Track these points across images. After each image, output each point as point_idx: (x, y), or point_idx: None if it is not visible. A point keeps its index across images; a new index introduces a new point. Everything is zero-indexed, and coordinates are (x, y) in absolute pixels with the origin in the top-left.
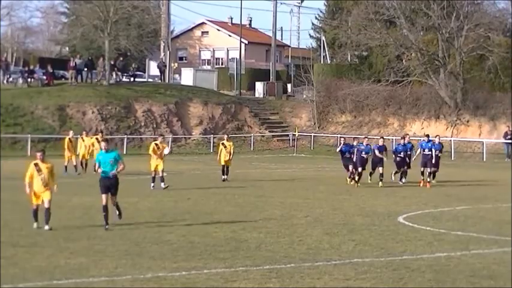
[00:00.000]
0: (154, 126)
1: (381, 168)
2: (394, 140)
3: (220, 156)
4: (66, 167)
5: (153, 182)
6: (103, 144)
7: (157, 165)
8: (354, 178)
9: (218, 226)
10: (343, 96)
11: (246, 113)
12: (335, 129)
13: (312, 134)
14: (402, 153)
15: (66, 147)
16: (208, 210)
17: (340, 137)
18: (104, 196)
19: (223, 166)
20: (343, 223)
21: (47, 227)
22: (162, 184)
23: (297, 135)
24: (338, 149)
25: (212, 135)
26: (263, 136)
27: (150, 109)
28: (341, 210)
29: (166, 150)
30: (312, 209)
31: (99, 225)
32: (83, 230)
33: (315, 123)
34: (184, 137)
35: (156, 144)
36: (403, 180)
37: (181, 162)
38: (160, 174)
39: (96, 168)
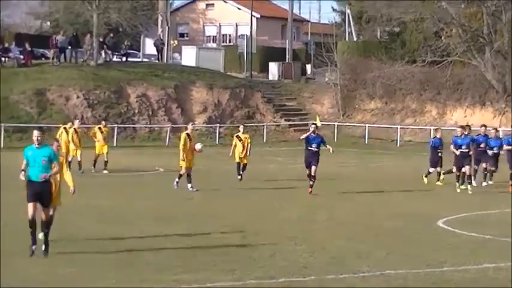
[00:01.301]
0: (150, 113)
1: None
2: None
3: (234, 151)
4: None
5: (179, 179)
6: (35, 134)
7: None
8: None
9: (225, 231)
10: (372, 79)
11: (258, 98)
12: (362, 117)
13: (336, 123)
14: (464, 146)
15: (71, 139)
16: (213, 212)
17: (369, 126)
18: (30, 206)
19: (239, 163)
20: (372, 227)
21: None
22: (189, 186)
23: (317, 125)
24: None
25: (218, 125)
26: (278, 125)
27: (145, 94)
28: (369, 212)
29: (199, 146)
30: (336, 211)
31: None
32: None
33: (338, 111)
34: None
35: (188, 135)
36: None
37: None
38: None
39: (23, 167)
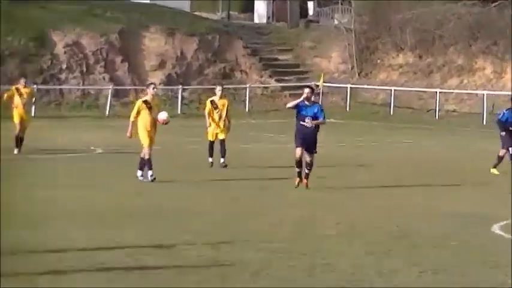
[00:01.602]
0: (84, 70)
1: None
2: (484, 97)
3: (208, 124)
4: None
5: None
6: None
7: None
8: None
9: (192, 239)
10: (401, 22)
11: (238, 49)
12: (387, 77)
13: (349, 86)
14: None
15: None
16: (175, 209)
17: (396, 90)
18: None
19: (212, 142)
20: (400, 235)
21: None
22: (140, 174)
23: (321, 88)
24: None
25: (180, 87)
26: (266, 88)
27: (78, 42)
28: (396, 212)
29: (163, 115)
30: (348, 211)
31: None
32: None
33: (353, 68)
34: (135, 89)
35: (147, 102)
36: None
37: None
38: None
39: None
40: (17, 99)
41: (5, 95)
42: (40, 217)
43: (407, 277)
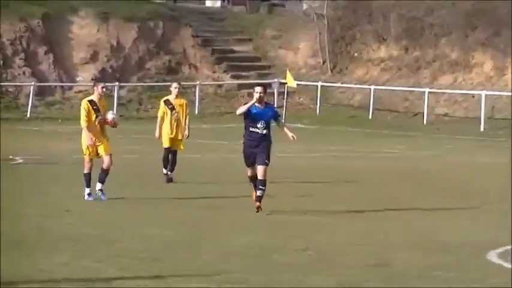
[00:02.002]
0: (1, 63)
1: None
2: (482, 99)
3: (161, 128)
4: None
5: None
6: None
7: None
8: None
9: (127, 268)
10: (383, 7)
11: (186, 38)
12: (365, 74)
13: (319, 84)
14: None
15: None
16: (104, 235)
17: (376, 89)
18: None
19: (168, 150)
20: (378, 263)
21: None
22: (99, 186)
23: (293, 85)
24: None
25: (117, 84)
26: (220, 86)
27: None
28: (375, 237)
29: (111, 115)
30: (317, 235)
31: None
32: None
33: (325, 63)
34: (61, 86)
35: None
36: None
37: (55, 134)
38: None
39: None
40: None
41: None
42: None
43: None
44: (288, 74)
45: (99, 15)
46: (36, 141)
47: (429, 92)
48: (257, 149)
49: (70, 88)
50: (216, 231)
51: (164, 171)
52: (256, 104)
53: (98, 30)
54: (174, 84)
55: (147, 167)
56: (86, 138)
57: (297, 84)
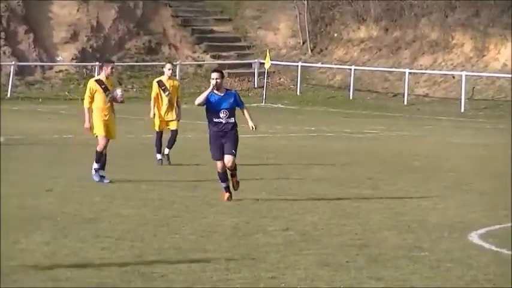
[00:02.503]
0: None
1: None
2: (462, 79)
3: (154, 110)
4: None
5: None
6: None
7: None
8: None
9: (110, 248)
10: None
11: (166, 18)
12: (345, 54)
13: (300, 64)
14: None
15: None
16: (90, 214)
17: (357, 69)
18: None
19: (160, 133)
20: (359, 243)
21: None
22: (96, 171)
23: (267, 67)
24: None
25: (97, 64)
26: (200, 66)
27: None
28: (357, 217)
29: (119, 92)
30: (298, 215)
31: None
32: None
33: (305, 43)
34: (41, 65)
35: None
36: None
37: (37, 114)
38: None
39: None
40: None
41: None
42: None
43: None
44: (267, 55)
45: None
46: (17, 121)
47: (409, 73)
48: (224, 139)
49: (50, 68)
50: (199, 212)
51: (158, 156)
52: (215, 92)
53: (78, 10)
54: (168, 65)
55: (128, 147)
56: (94, 119)
57: (277, 65)
